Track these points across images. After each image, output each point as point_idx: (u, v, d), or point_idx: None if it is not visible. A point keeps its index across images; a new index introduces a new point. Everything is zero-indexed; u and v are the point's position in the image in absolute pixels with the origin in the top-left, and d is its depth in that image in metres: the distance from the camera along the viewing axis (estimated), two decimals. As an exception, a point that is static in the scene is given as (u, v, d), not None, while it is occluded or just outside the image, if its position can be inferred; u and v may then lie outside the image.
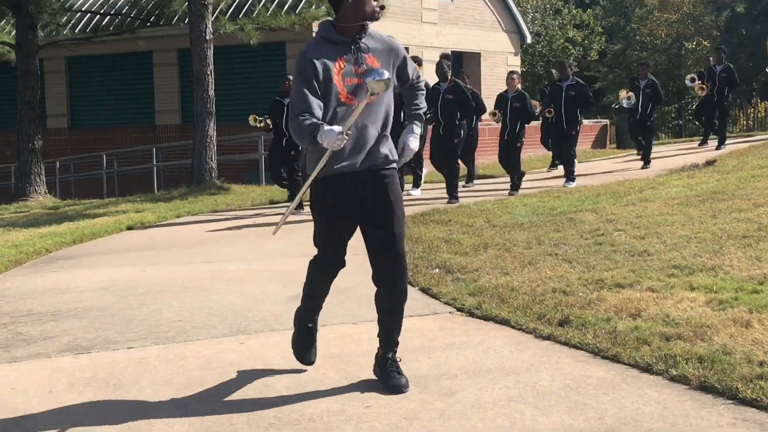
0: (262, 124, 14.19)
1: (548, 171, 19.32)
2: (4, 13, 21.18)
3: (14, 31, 21.50)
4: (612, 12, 56.62)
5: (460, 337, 6.10)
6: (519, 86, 15.32)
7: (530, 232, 9.50)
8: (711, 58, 21.18)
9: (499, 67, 30.28)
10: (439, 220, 11.00)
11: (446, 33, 28.38)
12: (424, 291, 7.50)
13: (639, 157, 18.69)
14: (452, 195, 13.84)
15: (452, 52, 28.55)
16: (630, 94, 17.66)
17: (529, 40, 33.22)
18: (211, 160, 17.76)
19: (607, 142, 27.46)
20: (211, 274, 8.86)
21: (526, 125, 15.23)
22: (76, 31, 25.65)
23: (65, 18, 22.89)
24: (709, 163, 16.03)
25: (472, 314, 6.65)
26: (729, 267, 7.15)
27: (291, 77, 14.57)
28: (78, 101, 28.43)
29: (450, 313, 6.80)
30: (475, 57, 29.70)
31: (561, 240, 8.92)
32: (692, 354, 5.23)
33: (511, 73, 15.72)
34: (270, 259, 9.66)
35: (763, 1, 45.82)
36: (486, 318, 6.52)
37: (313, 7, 20.23)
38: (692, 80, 20.35)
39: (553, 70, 20.59)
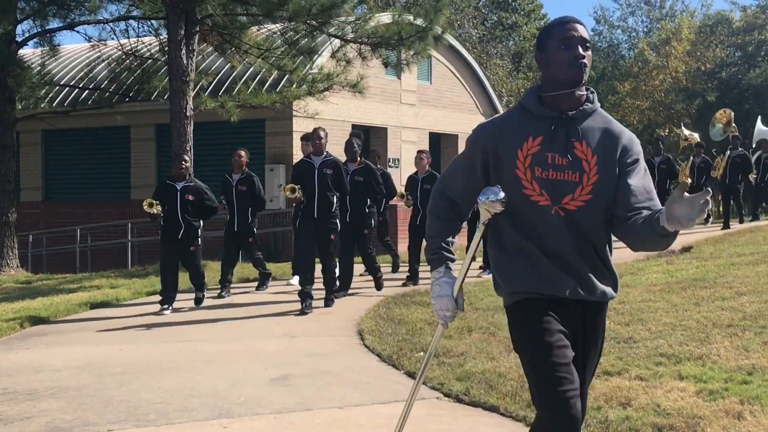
0: (156, 210, 11.47)
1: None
2: (-19, 86, 21.12)
3: (-8, 104, 21.42)
4: (585, 97, 57.40)
5: (449, 423, 5.99)
6: (429, 167, 13.90)
7: (513, 317, 9.42)
8: (649, 148, 20.14)
9: (475, 150, 30.48)
10: (420, 302, 10.92)
11: (424, 114, 28.64)
12: (410, 375, 7.39)
13: None
14: (339, 291, 12.05)
15: (431, 133, 28.94)
16: None
17: (504, 123, 33.54)
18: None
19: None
20: (189, 354, 8.70)
21: None
22: (55, 104, 25.63)
23: (44, 91, 22.85)
24: (686, 249, 16.08)
25: (460, 400, 6.54)
26: (717, 356, 7.11)
27: (243, 152, 13.21)
28: (53, 175, 28.31)
29: (437, 398, 6.68)
30: (452, 138, 29.95)
31: (545, 325, 8.85)
32: (687, 446, 5.14)
33: (420, 152, 14.25)
34: (249, 339, 9.51)
35: (734, 90, 46.69)
36: (474, 404, 6.41)
37: (294, 86, 20.33)
38: None
39: None
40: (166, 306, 11.49)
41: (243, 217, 13.04)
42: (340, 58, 19.46)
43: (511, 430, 5.83)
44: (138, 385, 7.34)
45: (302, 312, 10.82)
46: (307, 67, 20.35)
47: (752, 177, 22.32)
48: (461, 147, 28.56)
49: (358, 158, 12.78)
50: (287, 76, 20.90)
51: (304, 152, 13.25)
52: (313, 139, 11.30)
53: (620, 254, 13.90)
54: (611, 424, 5.59)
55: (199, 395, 6.91)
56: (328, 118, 23.14)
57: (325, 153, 11.25)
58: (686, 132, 24.72)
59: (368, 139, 26.96)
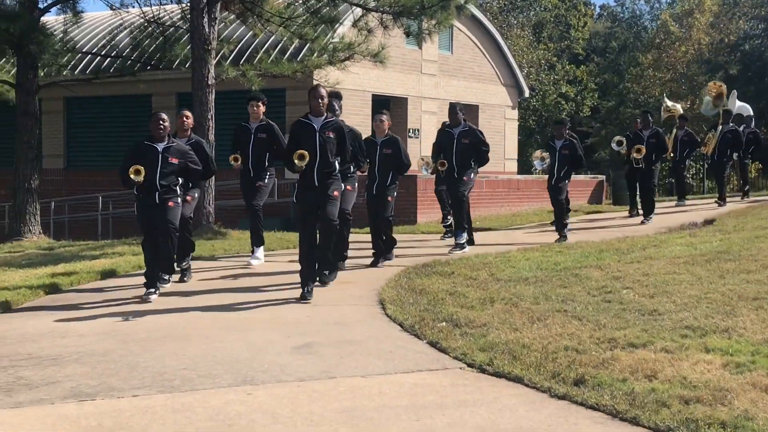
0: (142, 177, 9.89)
1: (442, 238, 16.08)
2: (4, 52, 21.13)
3: (14, 70, 21.47)
4: (606, 69, 57.13)
5: (473, 393, 5.98)
6: (389, 130, 12.66)
7: (536, 287, 9.40)
8: (638, 121, 18.56)
9: (496, 120, 30.39)
10: (441, 272, 10.90)
11: (445, 84, 28.50)
12: (433, 345, 7.38)
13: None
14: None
15: (451, 103, 28.77)
16: (544, 155, 15.00)
17: (526, 94, 33.40)
18: (209, 204, 17.62)
19: (603, 198, 27.46)
20: (212, 321, 8.72)
21: (398, 176, 12.71)
22: (77, 71, 25.67)
23: (66, 58, 22.86)
24: (708, 222, 16.01)
25: (483, 370, 6.52)
26: (743, 329, 7.07)
27: (188, 113, 11.78)
28: (75, 142, 28.40)
29: (460, 368, 6.67)
30: (473, 109, 29.79)
31: (568, 296, 8.83)
32: (714, 419, 5.11)
33: (380, 114, 12.85)
34: (270, 307, 9.50)
35: (756, 62, 46.26)
36: (498, 375, 6.39)
37: (315, 55, 20.26)
38: (619, 143, 18.19)
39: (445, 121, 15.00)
40: (152, 290, 10.08)
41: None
42: (362, 27, 19.36)
43: (535, 400, 5.82)
44: (162, 351, 7.37)
45: (303, 298, 9.66)
46: (328, 36, 20.29)
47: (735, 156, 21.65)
48: (482, 118, 28.48)
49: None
50: (308, 45, 20.84)
51: (253, 116, 12.67)
52: (314, 98, 10.02)
53: (642, 227, 13.86)
54: (637, 397, 5.56)
55: (222, 362, 6.93)
56: (348, 87, 23.08)
57: (326, 114, 10.10)
58: (669, 103, 23.59)
59: (388, 109, 26.87)
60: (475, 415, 5.52)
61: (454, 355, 6.99)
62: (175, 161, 10.18)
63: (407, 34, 20.21)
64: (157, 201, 10.02)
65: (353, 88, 23.79)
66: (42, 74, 21.26)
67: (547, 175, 15.65)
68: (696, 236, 13.10)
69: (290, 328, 8.23)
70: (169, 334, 8.08)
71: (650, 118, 18.13)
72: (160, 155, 10.10)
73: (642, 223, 17.28)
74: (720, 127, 20.86)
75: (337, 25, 20.24)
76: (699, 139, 21.95)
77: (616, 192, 27.00)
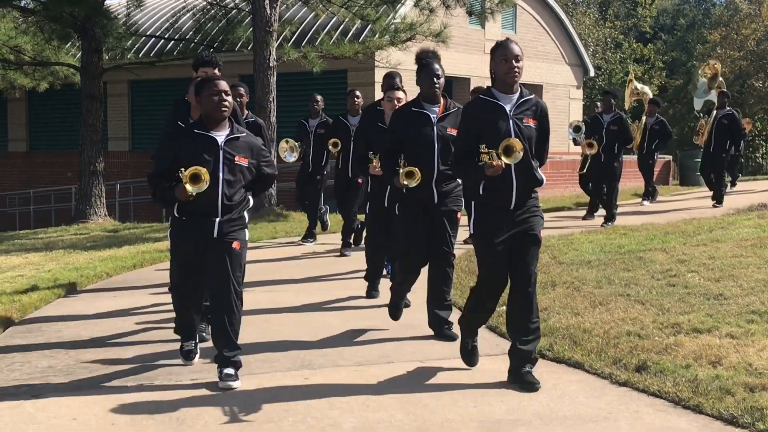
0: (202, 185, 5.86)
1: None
2: (69, 36, 21.41)
3: (79, 54, 21.73)
4: (673, 47, 56.20)
5: (532, 380, 5.88)
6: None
7: (599, 271, 9.24)
8: (598, 104, 15.68)
9: (561, 100, 30.05)
10: (503, 255, 10.76)
11: (508, 64, 28.21)
12: (492, 329, 7.30)
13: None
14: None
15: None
16: None
17: (591, 73, 32.95)
18: (271, 187, 17.69)
19: (670, 179, 27.04)
20: (271, 304, 8.72)
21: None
22: (141, 55, 25.90)
23: (130, 42, 23.06)
24: (779, 203, 15.63)
25: (543, 356, 6.42)
26: (812, 315, 6.86)
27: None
28: (139, 124, 28.68)
29: (520, 353, 6.57)
30: (537, 89, 29.48)
31: (632, 280, 8.66)
32: (780, 407, 4.97)
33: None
34: (330, 290, 9.49)
35: (830, 39, 45.08)
36: (558, 360, 6.30)
37: (377, 36, 20.18)
38: (576, 130, 15.21)
39: None
40: (191, 345, 6.53)
41: None
42: (424, 7, 19.25)
43: (595, 386, 5.71)
44: (221, 334, 7.36)
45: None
46: (390, 17, 20.18)
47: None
48: (546, 98, 28.07)
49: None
50: (370, 26, 20.74)
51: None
52: (427, 76, 7.26)
53: (711, 210, 13.46)
54: (701, 383, 5.43)
55: (280, 346, 6.92)
56: (410, 68, 22.86)
57: (443, 101, 7.20)
58: (637, 85, 20.29)
59: (451, 90, 26.71)
60: (533, 401, 5.44)
61: (514, 339, 6.88)
62: (244, 162, 6.08)
63: (470, 14, 20.05)
64: (216, 234, 5.98)
65: (415, 69, 23.65)
66: (106, 58, 21.48)
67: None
68: (764, 218, 12.78)
69: (348, 312, 8.21)
70: (228, 317, 8.07)
71: (613, 100, 14.86)
72: (221, 152, 6.00)
73: (602, 225, 13.95)
74: (715, 112, 17.77)
75: (399, 5, 20.15)
76: (671, 130, 19.07)
77: (684, 172, 26.55)
